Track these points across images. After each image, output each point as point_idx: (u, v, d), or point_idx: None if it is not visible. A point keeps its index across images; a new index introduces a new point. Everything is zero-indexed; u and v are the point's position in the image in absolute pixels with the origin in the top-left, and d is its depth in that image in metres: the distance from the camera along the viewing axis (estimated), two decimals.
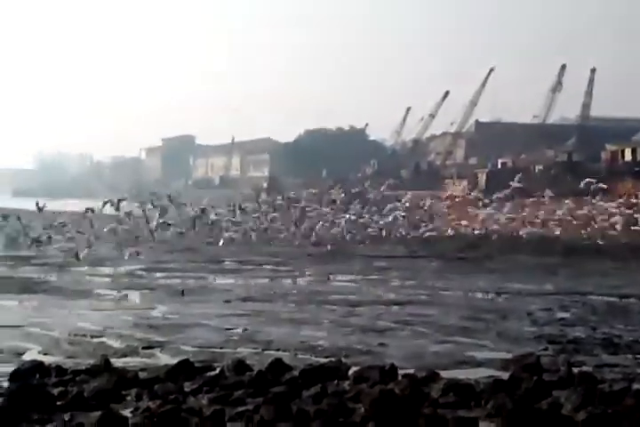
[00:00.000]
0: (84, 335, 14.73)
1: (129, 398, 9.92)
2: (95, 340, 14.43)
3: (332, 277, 24.99)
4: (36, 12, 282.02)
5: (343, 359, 11.91)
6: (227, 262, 29.60)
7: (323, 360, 12.13)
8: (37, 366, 11.18)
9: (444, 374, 11.06)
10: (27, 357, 12.73)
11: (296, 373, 10.89)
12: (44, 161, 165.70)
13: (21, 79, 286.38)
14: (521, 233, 37.14)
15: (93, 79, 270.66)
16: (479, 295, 20.83)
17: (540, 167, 69.99)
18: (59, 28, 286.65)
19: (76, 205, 50.67)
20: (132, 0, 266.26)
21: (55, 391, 9.79)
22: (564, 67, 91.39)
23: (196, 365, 11.47)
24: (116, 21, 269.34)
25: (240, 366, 11.23)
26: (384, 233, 39.29)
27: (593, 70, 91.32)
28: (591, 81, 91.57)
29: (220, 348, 13.73)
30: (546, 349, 13.64)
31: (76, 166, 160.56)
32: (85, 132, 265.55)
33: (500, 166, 78.07)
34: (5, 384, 10.32)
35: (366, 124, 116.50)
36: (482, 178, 68.51)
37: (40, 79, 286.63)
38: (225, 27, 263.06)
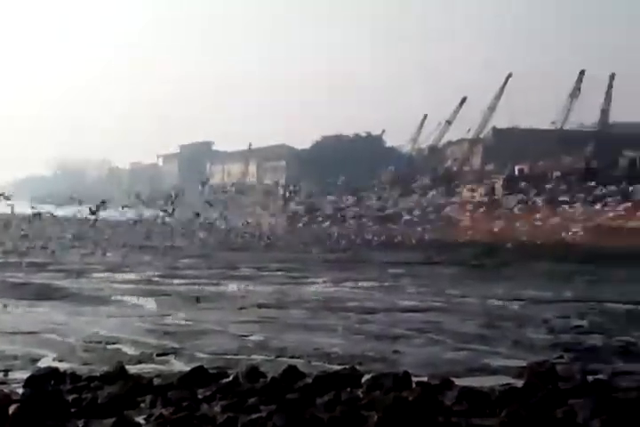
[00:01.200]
0: (100, 342, 14.77)
1: (143, 404, 9.90)
2: (110, 346, 14.46)
3: (347, 283, 24.96)
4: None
5: (357, 367, 11.87)
6: (242, 269, 29.62)
7: (336, 367, 12.09)
8: (52, 372, 11.20)
9: (459, 381, 10.99)
10: (42, 363, 12.76)
11: (309, 380, 10.87)
12: (64, 168, 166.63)
13: (39, 85, 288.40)
14: (537, 240, 37.05)
15: (113, 86, 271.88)
16: (495, 302, 20.75)
17: (558, 174, 69.69)
18: (79, 37, 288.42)
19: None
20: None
21: (70, 398, 9.78)
22: (582, 72, 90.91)
23: (210, 371, 11.46)
24: (135, 30, 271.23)
25: (254, 373, 11.22)
26: (399, 239, 39.29)
27: (612, 76, 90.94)
28: (610, 87, 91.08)
29: (235, 355, 13.73)
30: (561, 356, 13.57)
31: (95, 173, 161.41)
32: (105, 139, 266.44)
33: (516, 173, 77.84)
34: (20, 390, 10.34)
35: (383, 131, 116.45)
36: (498, 184, 68.38)
37: (57, 85, 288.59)
38: (243, 36, 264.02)
